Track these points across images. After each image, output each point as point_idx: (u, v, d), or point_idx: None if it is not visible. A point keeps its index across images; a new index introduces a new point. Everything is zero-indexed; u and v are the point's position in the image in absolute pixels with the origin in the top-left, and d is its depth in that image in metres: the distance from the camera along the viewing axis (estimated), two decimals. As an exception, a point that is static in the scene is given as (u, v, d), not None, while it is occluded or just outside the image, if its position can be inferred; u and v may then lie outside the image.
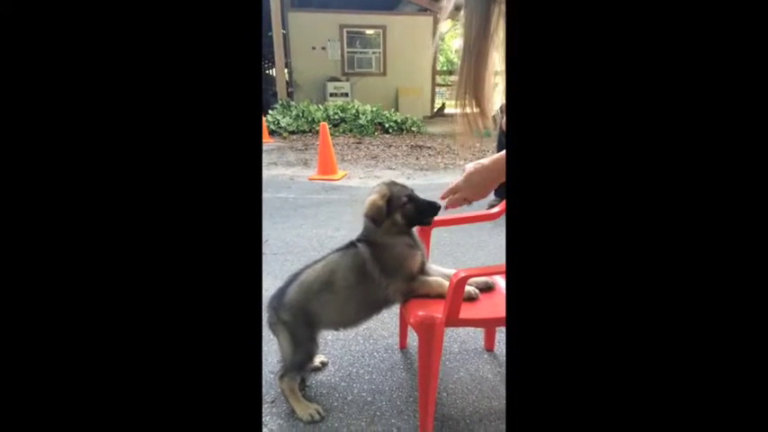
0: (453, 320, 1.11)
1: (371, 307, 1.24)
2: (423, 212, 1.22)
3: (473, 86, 0.76)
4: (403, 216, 1.20)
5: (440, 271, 1.27)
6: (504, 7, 0.71)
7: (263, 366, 1.48)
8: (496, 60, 0.74)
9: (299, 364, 1.25)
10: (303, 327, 1.23)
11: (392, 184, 1.24)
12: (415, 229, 1.29)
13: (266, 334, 1.63)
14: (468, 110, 0.78)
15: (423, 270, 1.23)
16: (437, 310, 1.12)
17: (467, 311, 1.13)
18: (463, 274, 1.06)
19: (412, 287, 1.18)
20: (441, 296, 1.14)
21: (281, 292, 1.26)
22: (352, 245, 1.25)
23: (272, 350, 1.56)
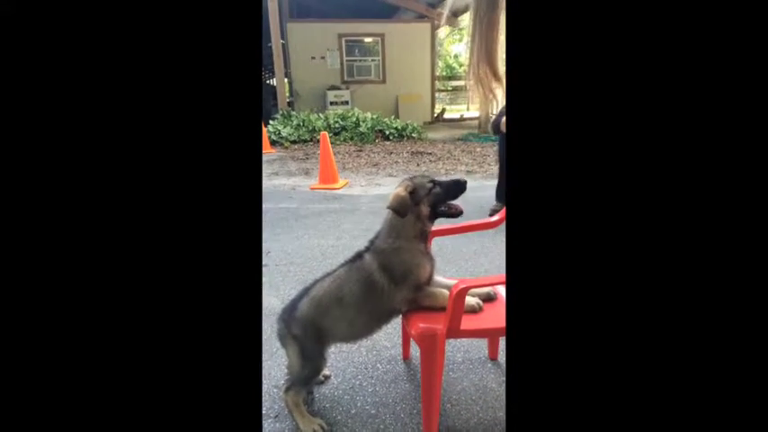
0: (455, 332, 1.11)
1: (380, 318, 1.24)
2: (449, 192, 1.22)
3: (486, 53, 0.77)
4: (429, 204, 1.20)
5: (442, 282, 1.27)
6: None
7: (268, 381, 1.47)
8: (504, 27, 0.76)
9: (306, 378, 1.25)
10: (313, 342, 1.23)
11: (414, 176, 1.25)
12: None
13: (269, 348, 1.64)
14: (483, 77, 0.80)
15: (430, 281, 1.23)
16: (438, 322, 1.12)
17: (468, 322, 1.13)
18: (463, 286, 1.06)
19: (417, 297, 1.18)
20: (444, 309, 1.13)
21: (293, 305, 1.27)
22: (358, 256, 1.25)
23: (276, 364, 1.56)
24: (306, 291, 1.28)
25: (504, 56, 0.77)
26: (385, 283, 1.17)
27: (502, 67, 0.78)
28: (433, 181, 1.23)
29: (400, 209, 1.17)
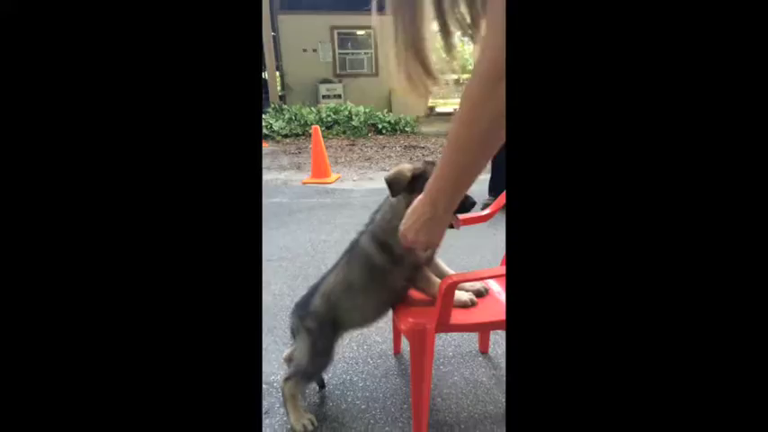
0: (444, 326, 1.10)
1: (389, 299, 1.23)
2: None
3: (413, 50, 0.72)
4: None
5: (445, 270, 1.26)
6: None
7: (257, 376, 1.46)
8: (431, 14, 0.70)
9: (310, 373, 1.27)
10: (325, 336, 1.23)
11: (431, 163, 1.15)
12: None
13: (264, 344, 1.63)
14: (414, 76, 0.75)
15: (429, 263, 1.22)
16: (428, 317, 1.11)
17: (458, 316, 1.13)
18: (451, 281, 1.05)
19: (416, 276, 1.17)
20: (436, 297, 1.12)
21: (306, 301, 1.27)
22: (355, 243, 1.24)
23: (266, 360, 1.55)
24: (315, 288, 1.28)
25: (431, 45, 0.71)
26: (386, 263, 1.16)
27: (434, 64, 0.72)
28: None
29: (393, 185, 1.12)
